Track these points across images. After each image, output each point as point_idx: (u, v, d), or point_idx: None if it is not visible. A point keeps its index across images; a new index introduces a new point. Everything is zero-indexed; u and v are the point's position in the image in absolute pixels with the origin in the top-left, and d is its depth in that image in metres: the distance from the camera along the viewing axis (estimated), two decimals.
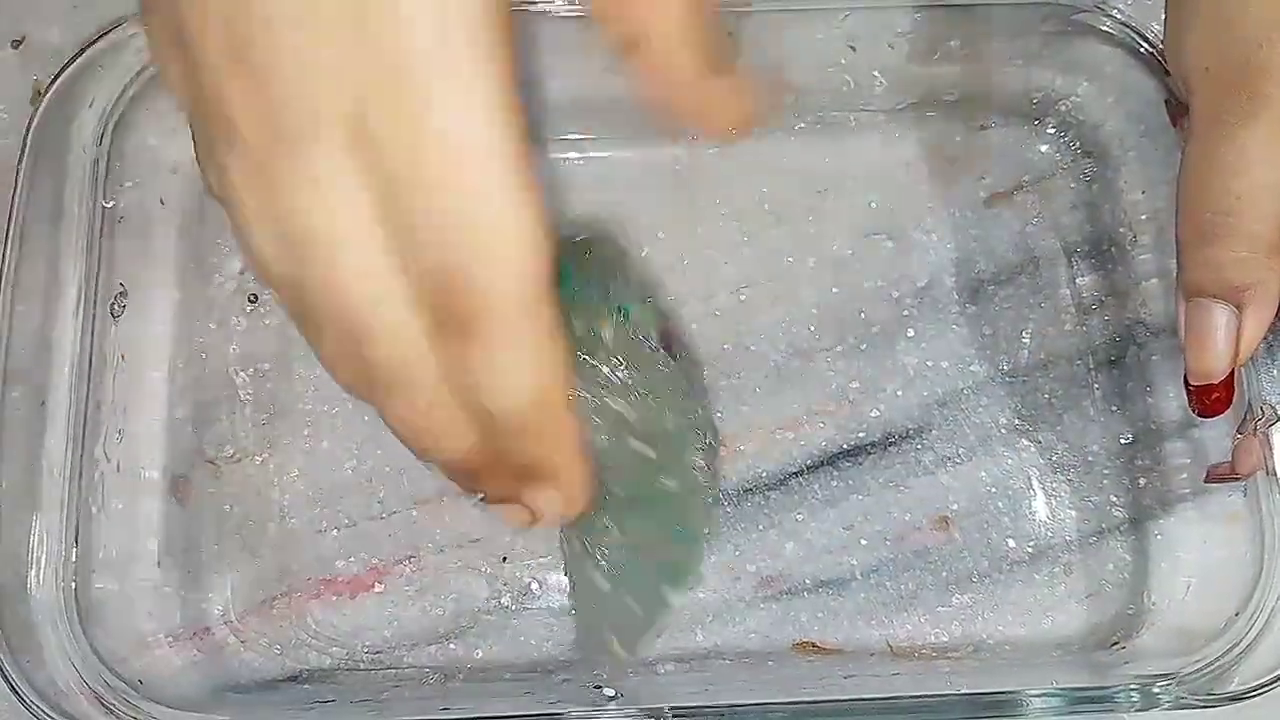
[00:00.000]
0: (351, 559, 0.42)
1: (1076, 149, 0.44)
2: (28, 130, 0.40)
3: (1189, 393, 0.35)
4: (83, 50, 0.41)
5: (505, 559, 0.41)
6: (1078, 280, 0.42)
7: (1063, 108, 0.44)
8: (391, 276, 0.25)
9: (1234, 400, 0.35)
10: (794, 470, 0.42)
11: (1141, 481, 0.41)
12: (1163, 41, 0.37)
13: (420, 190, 0.24)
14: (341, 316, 0.26)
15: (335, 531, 0.42)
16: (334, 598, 0.41)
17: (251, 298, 0.44)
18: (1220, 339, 0.34)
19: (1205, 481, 0.39)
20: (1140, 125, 0.43)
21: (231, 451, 0.42)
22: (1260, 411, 0.37)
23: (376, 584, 0.41)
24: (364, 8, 0.23)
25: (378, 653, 0.41)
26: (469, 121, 0.24)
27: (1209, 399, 0.35)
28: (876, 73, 0.43)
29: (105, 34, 0.41)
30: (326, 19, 0.24)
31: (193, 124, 0.27)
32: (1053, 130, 0.44)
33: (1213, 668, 0.35)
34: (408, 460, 0.41)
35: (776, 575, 0.41)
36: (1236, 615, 0.36)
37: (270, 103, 0.24)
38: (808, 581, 0.41)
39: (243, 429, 0.43)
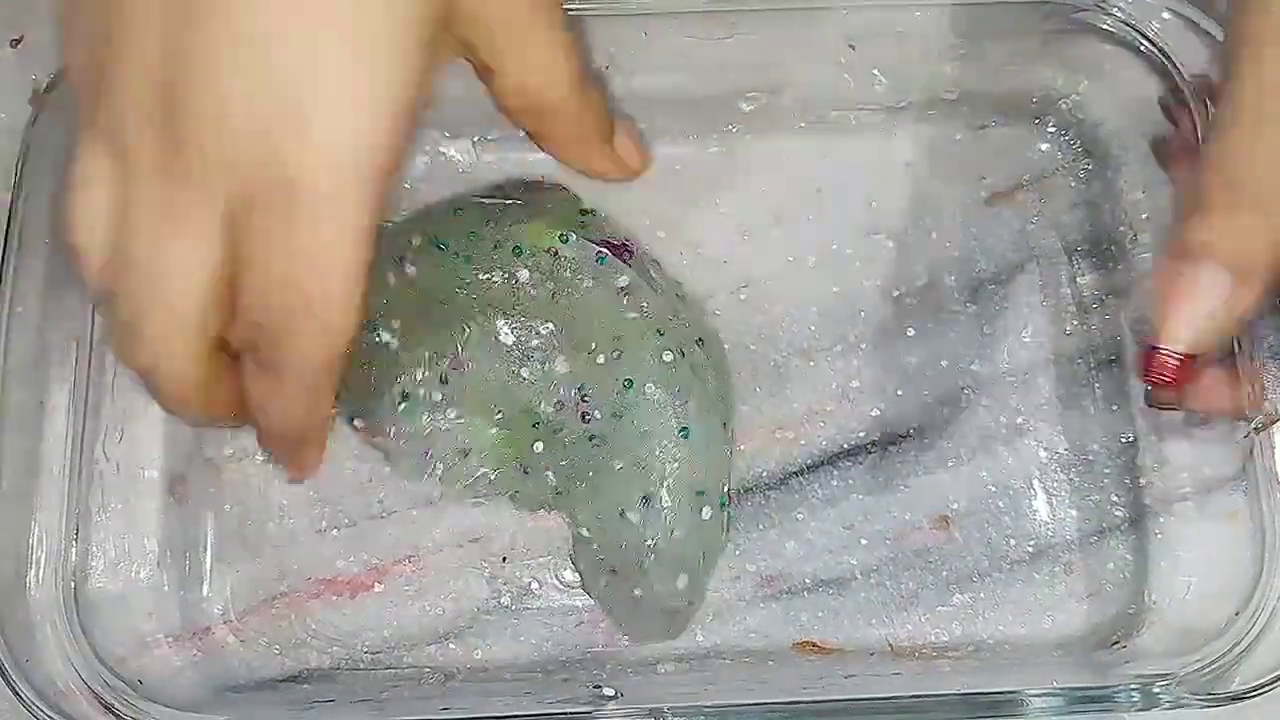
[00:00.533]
0: (351, 559, 0.42)
1: (1077, 148, 0.44)
2: (29, 127, 0.40)
3: (1148, 363, 0.33)
4: None
5: (505, 559, 0.41)
6: (1078, 280, 0.42)
7: (1063, 107, 0.44)
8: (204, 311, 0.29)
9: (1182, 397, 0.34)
10: (794, 470, 0.42)
11: (1142, 481, 0.41)
12: None
13: (271, 285, 0.28)
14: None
15: (335, 531, 0.42)
16: (334, 598, 0.41)
17: None
18: (1209, 301, 0.32)
19: (1147, 404, 0.35)
20: (1140, 125, 0.43)
21: (231, 451, 0.42)
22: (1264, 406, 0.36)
23: (376, 584, 0.41)
24: (282, 115, 0.27)
25: (377, 652, 0.41)
26: (335, 254, 0.28)
27: (1165, 372, 0.32)
28: (876, 71, 0.43)
29: None
30: (253, 100, 0.27)
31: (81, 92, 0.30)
32: (1053, 130, 0.44)
33: (1213, 667, 0.35)
34: None
35: (777, 575, 0.41)
36: (1237, 615, 0.36)
37: (179, 140, 0.28)
38: (808, 581, 0.41)
39: (241, 428, 0.43)
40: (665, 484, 0.38)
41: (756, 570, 0.41)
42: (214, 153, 0.27)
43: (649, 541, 0.38)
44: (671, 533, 0.38)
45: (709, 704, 0.35)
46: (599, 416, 0.39)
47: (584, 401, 0.39)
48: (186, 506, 0.42)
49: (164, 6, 0.27)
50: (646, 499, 0.38)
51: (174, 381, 0.31)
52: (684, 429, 0.38)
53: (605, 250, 0.38)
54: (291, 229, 0.28)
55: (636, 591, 0.38)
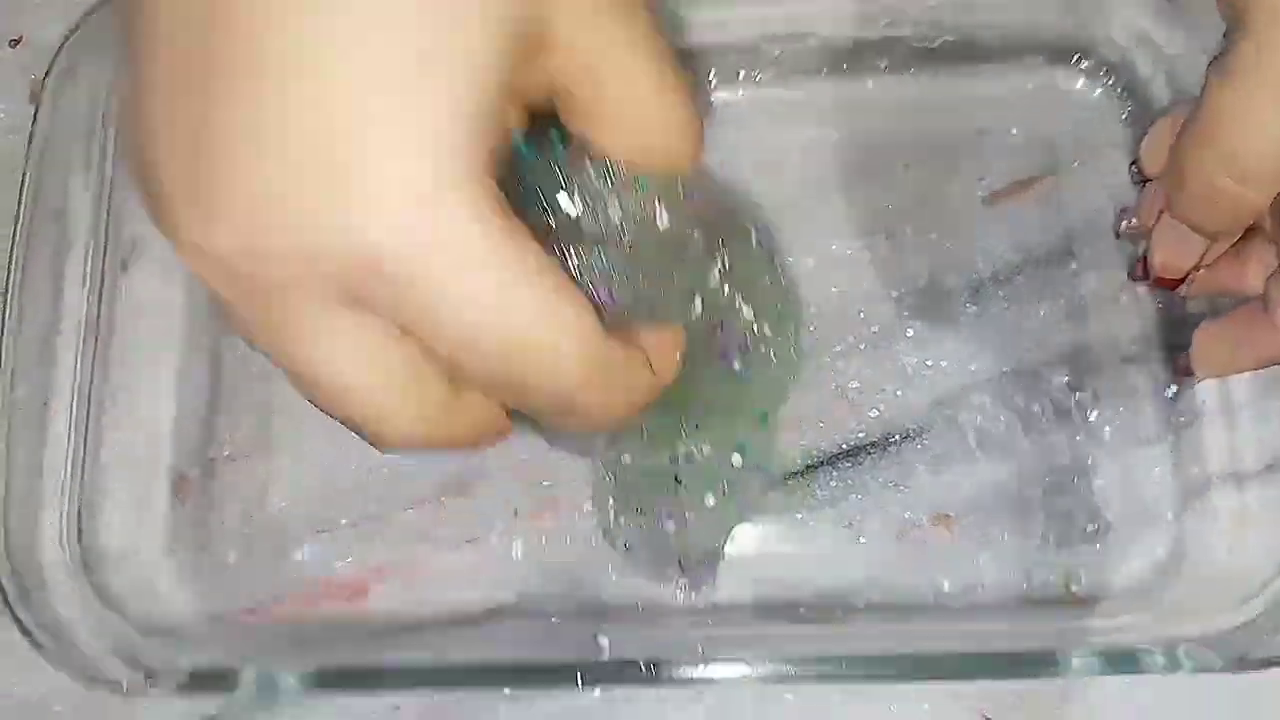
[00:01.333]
0: (350, 559, 0.42)
1: (1075, 148, 0.44)
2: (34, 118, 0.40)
3: (1147, 277, 0.38)
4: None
5: (505, 559, 0.41)
6: (1078, 280, 0.42)
7: (1062, 106, 0.44)
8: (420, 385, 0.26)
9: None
10: (794, 470, 0.42)
11: (1145, 481, 0.41)
12: None
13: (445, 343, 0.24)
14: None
15: (334, 532, 0.42)
16: (333, 598, 0.41)
17: None
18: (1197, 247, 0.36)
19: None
20: (1140, 124, 0.43)
21: (230, 451, 0.42)
22: None
23: (375, 584, 0.41)
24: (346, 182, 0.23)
25: (376, 652, 0.41)
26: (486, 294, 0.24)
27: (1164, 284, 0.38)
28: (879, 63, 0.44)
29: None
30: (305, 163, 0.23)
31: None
32: (1052, 129, 0.44)
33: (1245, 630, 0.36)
34: (406, 461, 0.42)
35: (775, 576, 0.41)
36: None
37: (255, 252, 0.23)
38: (807, 582, 0.41)
39: (242, 429, 0.43)
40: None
41: (755, 572, 0.41)
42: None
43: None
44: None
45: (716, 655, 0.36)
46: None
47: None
48: (186, 506, 0.42)
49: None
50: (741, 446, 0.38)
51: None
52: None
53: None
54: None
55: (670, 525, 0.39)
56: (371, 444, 0.27)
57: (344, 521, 0.42)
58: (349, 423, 0.27)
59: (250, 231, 0.23)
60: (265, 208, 0.23)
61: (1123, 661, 0.36)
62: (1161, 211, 0.37)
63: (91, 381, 0.41)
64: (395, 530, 0.42)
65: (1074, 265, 0.43)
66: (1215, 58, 0.31)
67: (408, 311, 0.24)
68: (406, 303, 0.24)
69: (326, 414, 0.27)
